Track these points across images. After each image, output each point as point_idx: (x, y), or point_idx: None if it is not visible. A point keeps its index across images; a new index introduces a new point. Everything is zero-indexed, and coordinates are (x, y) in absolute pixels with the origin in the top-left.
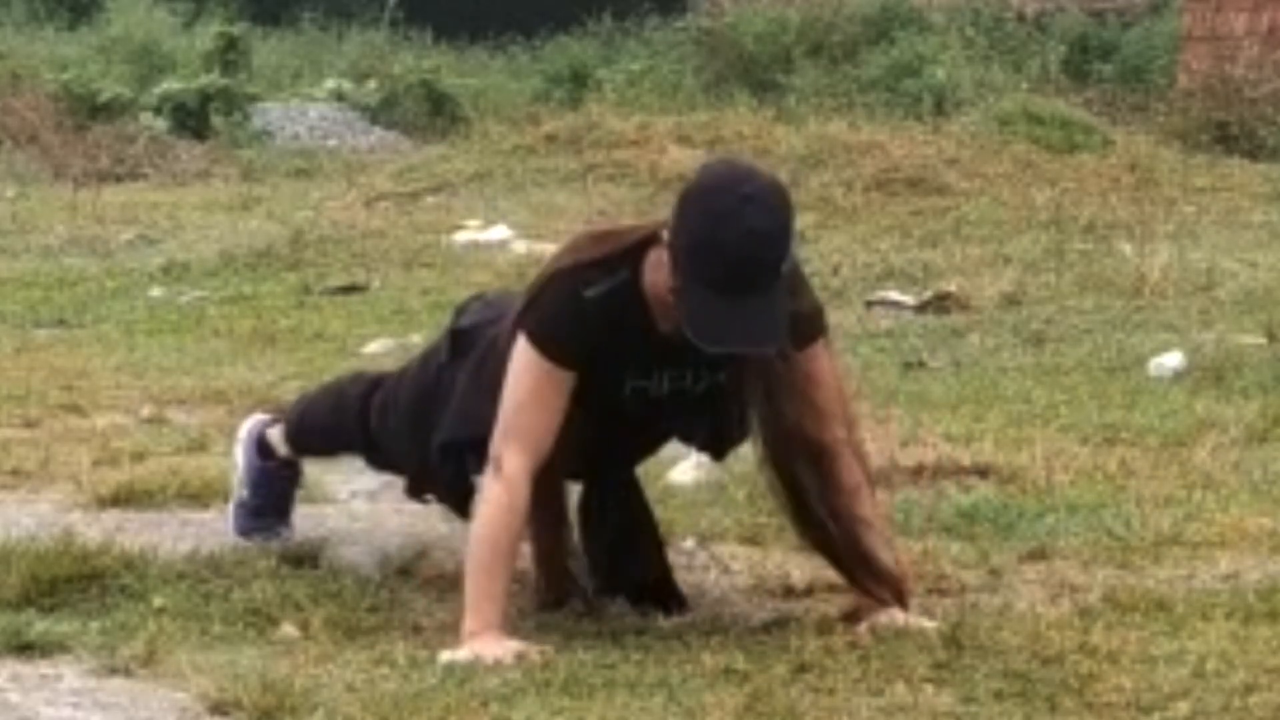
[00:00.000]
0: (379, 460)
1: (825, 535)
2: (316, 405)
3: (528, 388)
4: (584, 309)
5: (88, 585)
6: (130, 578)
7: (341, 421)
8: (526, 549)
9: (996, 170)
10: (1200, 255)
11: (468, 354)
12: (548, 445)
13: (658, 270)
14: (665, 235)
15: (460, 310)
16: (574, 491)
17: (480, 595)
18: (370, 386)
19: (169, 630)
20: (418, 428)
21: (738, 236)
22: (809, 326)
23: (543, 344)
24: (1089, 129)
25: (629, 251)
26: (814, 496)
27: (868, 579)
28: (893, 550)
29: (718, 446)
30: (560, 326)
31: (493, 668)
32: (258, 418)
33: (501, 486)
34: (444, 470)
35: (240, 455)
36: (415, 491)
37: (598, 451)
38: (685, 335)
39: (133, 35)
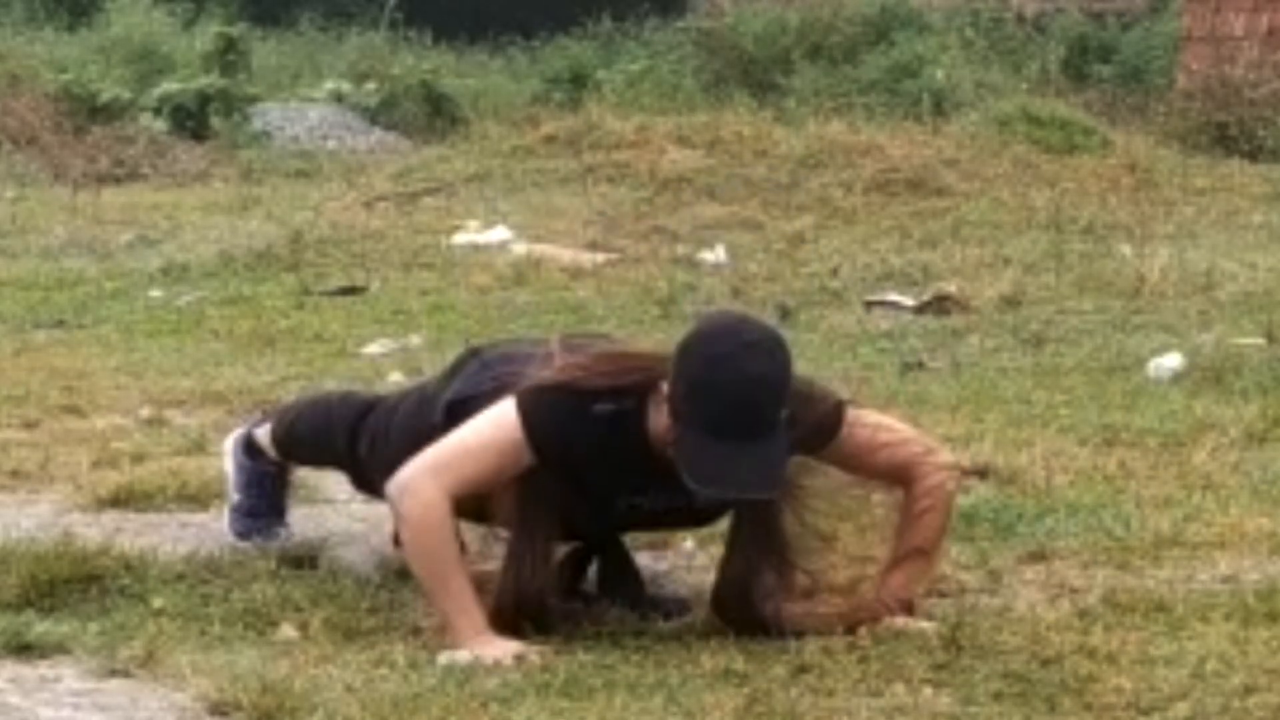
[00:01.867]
0: (363, 485)
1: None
2: (304, 420)
3: (487, 441)
4: (587, 421)
5: (87, 587)
6: (129, 579)
7: (329, 442)
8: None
9: (996, 171)
10: (1199, 256)
11: (460, 424)
12: (462, 496)
13: (659, 413)
14: (664, 385)
15: (458, 366)
16: None
17: (452, 609)
18: (360, 412)
19: (168, 631)
20: None
21: (737, 380)
22: (827, 425)
23: (530, 422)
24: (1088, 130)
25: (639, 386)
26: (732, 622)
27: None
28: (909, 586)
29: (707, 523)
30: (555, 422)
31: (492, 669)
32: (242, 427)
33: (416, 503)
34: None
35: (229, 463)
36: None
37: (586, 536)
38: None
39: (132, 36)
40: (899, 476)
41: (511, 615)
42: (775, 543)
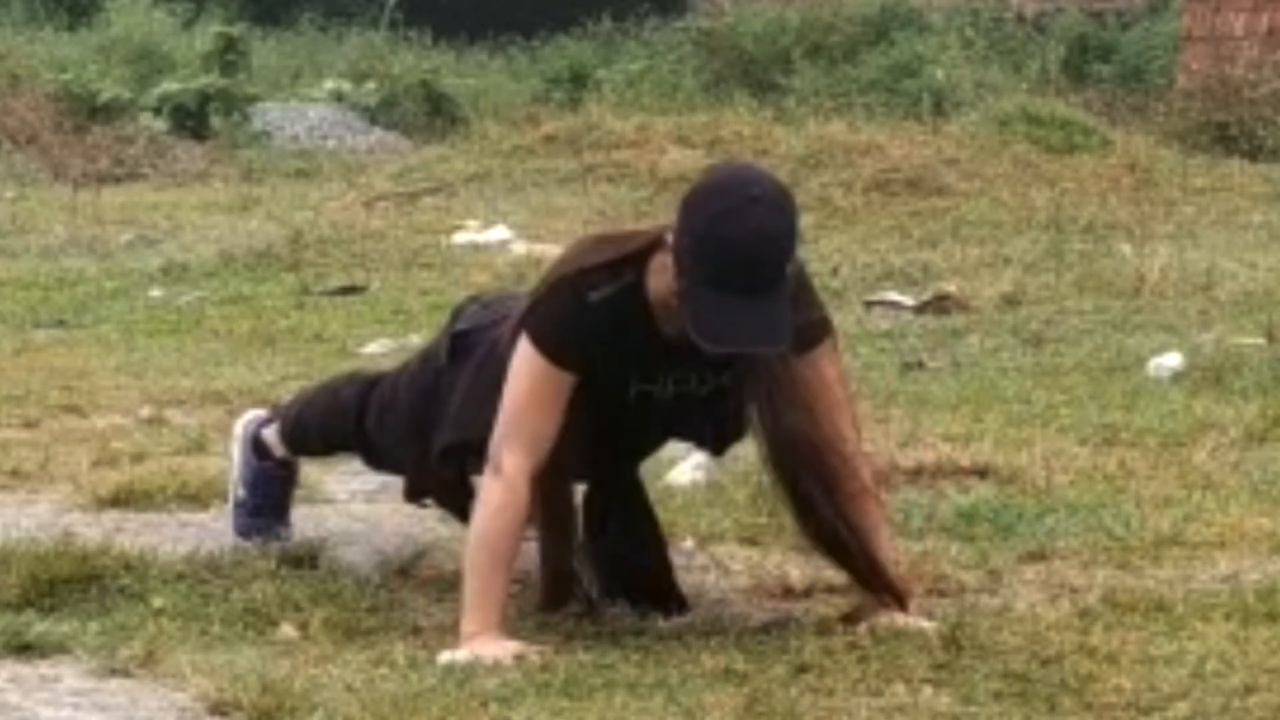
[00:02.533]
0: (376, 460)
1: (830, 536)
2: (312, 405)
3: (528, 388)
4: (588, 312)
5: (87, 586)
6: (129, 579)
7: (338, 421)
8: (529, 548)
9: (996, 171)
10: (1199, 256)
11: (467, 357)
12: (547, 446)
13: (661, 274)
14: (669, 238)
15: (458, 313)
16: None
17: (480, 596)
18: (366, 386)
19: (168, 631)
20: (417, 431)
21: (743, 234)
22: (812, 332)
23: (544, 345)
24: (1088, 130)
25: (633, 256)
26: (818, 499)
27: (871, 580)
28: (894, 555)
29: (719, 445)
30: (563, 328)
31: (492, 668)
32: (253, 415)
33: (501, 487)
34: (444, 474)
35: (236, 453)
36: (414, 495)
37: (602, 452)
38: (689, 338)
39: (132, 36)
40: (824, 442)
41: (552, 591)
42: (798, 402)
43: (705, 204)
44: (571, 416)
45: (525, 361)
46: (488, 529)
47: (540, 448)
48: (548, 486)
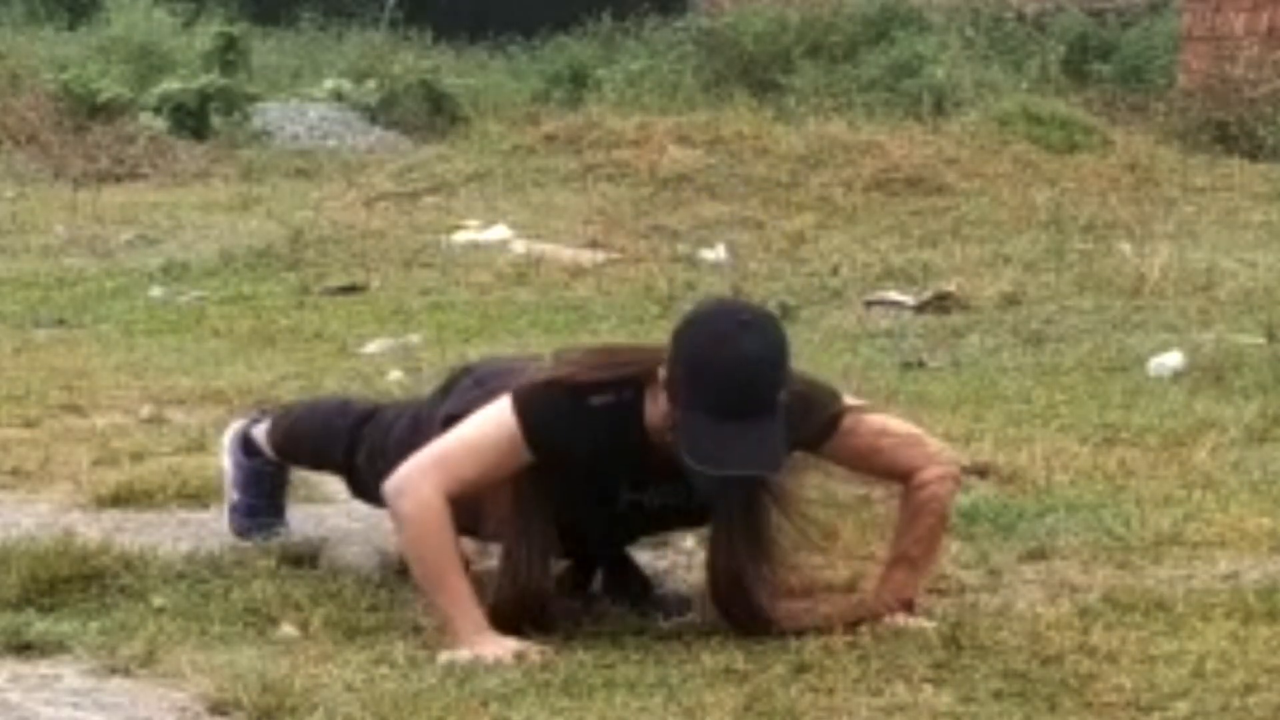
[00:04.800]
0: (360, 494)
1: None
2: (303, 425)
3: (483, 438)
4: (584, 413)
5: (87, 585)
6: (130, 578)
7: (327, 450)
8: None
9: (996, 170)
10: (1200, 255)
11: None
12: (464, 496)
13: (656, 404)
14: (662, 372)
15: (451, 383)
16: None
17: (451, 608)
18: (358, 421)
19: (169, 630)
20: None
21: (735, 360)
22: (829, 426)
23: (525, 419)
24: (1088, 129)
25: (637, 378)
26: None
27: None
28: (911, 587)
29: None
30: (553, 417)
31: (492, 667)
32: (239, 423)
33: (415, 507)
34: None
35: (227, 460)
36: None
37: (588, 542)
38: (683, 461)
39: (132, 35)
40: (897, 478)
41: (511, 614)
42: (759, 539)
43: (696, 332)
44: (560, 514)
45: (496, 417)
46: (418, 545)
47: (455, 493)
48: (523, 552)
